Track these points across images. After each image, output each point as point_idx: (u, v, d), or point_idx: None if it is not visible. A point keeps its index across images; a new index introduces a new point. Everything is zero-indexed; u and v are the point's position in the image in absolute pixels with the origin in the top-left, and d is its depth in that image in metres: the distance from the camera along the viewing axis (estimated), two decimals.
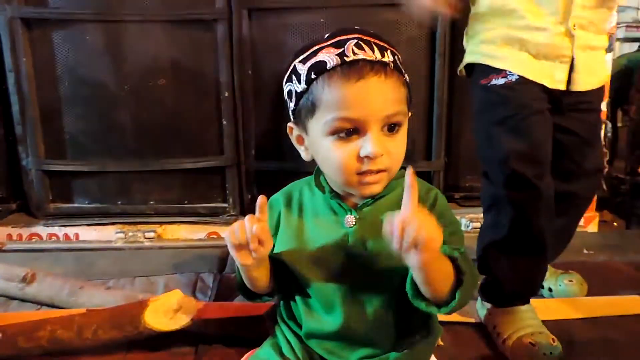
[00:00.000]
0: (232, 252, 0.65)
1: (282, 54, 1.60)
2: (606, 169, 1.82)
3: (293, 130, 0.72)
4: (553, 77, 0.96)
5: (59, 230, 1.69)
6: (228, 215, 1.72)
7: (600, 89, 1.04)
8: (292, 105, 0.69)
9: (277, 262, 0.72)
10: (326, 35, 0.67)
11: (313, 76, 0.64)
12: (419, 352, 0.74)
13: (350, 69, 0.62)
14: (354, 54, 0.62)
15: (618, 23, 2.31)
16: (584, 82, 0.98)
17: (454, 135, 1.73)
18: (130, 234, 1.68)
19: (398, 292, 0.68)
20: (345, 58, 0.62)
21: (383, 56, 0.64)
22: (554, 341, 0.96)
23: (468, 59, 1.04)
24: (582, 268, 1.27)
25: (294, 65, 0.67)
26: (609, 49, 1.53)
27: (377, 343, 0.72)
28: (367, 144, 0.62)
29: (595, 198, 1.60)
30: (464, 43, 1.08)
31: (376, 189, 0.66)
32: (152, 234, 1.67)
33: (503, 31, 0.96)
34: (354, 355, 0.72)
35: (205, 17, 1.59)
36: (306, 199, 0.74)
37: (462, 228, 1.28)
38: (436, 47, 1.61)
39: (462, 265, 0.64)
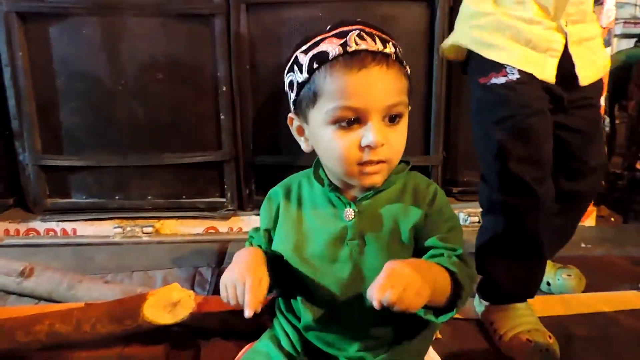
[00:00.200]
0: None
1: (280, 49, 1.60)
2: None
3: (293, 121, 0.72)
4: (543, 70, 0.94)
5: (57, 226, 1.69)
6: (226, 210, 1.72)
7: (600, 84, 1.03)
8: (293, 95, 0.69)
9: (275, 256, 0.72)
10: (328, 27, 0.67)
11: (315, 66, 0.64)
12: (417, 344, 0.74)
13: (353, 58, 0.62)
14: (356, 44, 0.62)
15: (616, 19, 2.32)
16: (589, 76, 0.97)
17: (452, 130, 1.73)
18: (128, 229, 1.67)
19: None
20: (347, 48, 0.62)
21: (385, 47, 0.64)
22: (550, 338, 0.97)
23: (457, 39, 1.02)
24: (579, 262, 1.28)
25: (296, 56, 0.67)
26: (607, 43, 1.53)
27: (376, 335, 0.72)
28: (369, 133, 0.62)
29: None
30: (455, 25, 1.06)
31: (377, 179, 0.66)
32: (150, 229, 1.67)
33: (497, 18, 0.95)
34: (352, 348, 0.72)
35: (203, 11, 1.58)
36: (305, 191, 0.74)
37: (460, 222, 1.29)
38: (434, 42, 1.61)
39: (461, 278, 0.63)
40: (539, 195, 0.93)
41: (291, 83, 0.68)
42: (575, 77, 0.96)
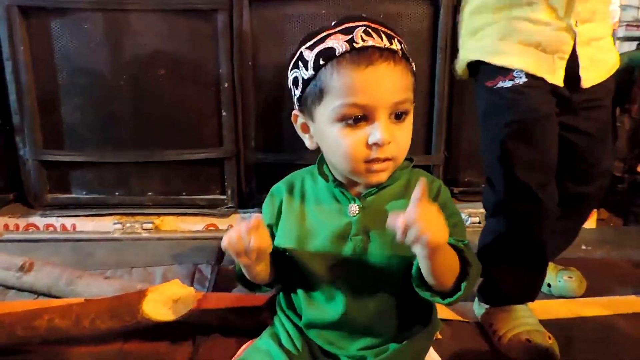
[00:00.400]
0: (232, 255, 0.64)
1: (282, 45, 1.59)
2: None
3: (298, 118, 0.71)
4: (552, 71, 0.93)
5: (56, 221, 1.69)
6: (226, 207, 1.71)
7: (610, 84, 1.01)
8: (298, 92, 0.68)
9: (278, 251, 0.72)
10: (333, 23, 0.66)
11: (321, 62, 0.63)
12: (418, 343, 0.74)
13: (360, 55, 0.62)
14: (363, 40, 0.62)
15: (619, 21, 2.31)
16: (592, 78, 0.96)
17: (454, 130, 1.72)
18: (128, 225, 1.67)
19: (400, 282, 0.68)
20: (354, 44, 0.62)
21: (391, 44, 0.64)
22: (550, 339, 0.96)
23: (468, 55, 1.01)
24: (580, 264, 1.27)
25: (301, 52, 0.66)
26: None
27: (377, 333, 0.72)
28: (376, 131, 0.62)
29: None
30: (460, 42, 1.04)
31: (382, 177, 0.66)
32: (150, 225, 1.67)
33: (504, 23, 0.94)
34: (353, 346, 0.72)
35: (206, 7, 1.57)
36: (309, 187, 0.74)
37: None
38: (437, 41, 1.60)
39: (469, 256, 0.63)
40: (543, 201, 0.93)
41: (296, 79, 0.68)
42: (578, 78, 0.95)
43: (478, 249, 1.04)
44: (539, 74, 0.93)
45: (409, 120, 0.66)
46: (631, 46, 2.66)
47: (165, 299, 0.96)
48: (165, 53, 1.61)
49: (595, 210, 1.77)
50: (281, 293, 0.80)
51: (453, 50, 1.60)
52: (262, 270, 0.70)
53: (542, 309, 1.08)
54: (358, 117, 0.63)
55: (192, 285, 1.27)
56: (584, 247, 1.52)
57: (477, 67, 1.01)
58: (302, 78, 0.66)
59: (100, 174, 1.71)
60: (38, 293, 1.21)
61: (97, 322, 0.95)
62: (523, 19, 0.93)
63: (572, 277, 1.20)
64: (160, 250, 1.52)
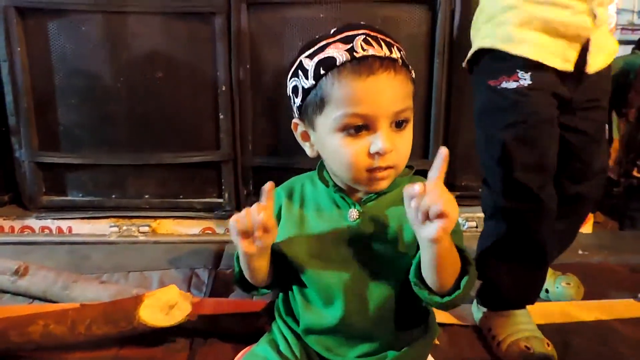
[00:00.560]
0: (236, 240, 0.63)
1: (280, 49, 1.59)
2: None
3: (298, 127, 0.71)
4: (565, 57, 0.92)
5: (52, 224, 1.68)
6: (223, 211, 1.71)
7: (607, 85, 1.01)
8: (298, 101, 0.68)
9: (277, 255, 0.72)
10: (332, 31, 0.66)
11: (322, 72, 0.63)
12: (416, 350, 0.73)
13: (360, 64, 0.61)
14: (363, 49, 0.62)
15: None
16: (597, 63, 0.94)
17: (451, 135, 1.72)
18: (125, 228, 1.66)
19: (399, 287, 0.68)
20: (355, 54, 0.62)
21: (391, 52, 0.63)
22: (548, 345, 0.97)
23: (483, 42, 0.98)
24: (577, 269, 1.28)
25: (300, 61, 0.66)
26: None
27: (376, 340, 0.71)
28: (378, 140, 0.62)
29: None
30: (474, 30, 1.03)
31: (383, 185, 0.66)
32: (146, 229, 1.66)
33: (524, 8, 0.92)
34: (352, 353, 0.72)
35: (204, 9, 1.57)
36: (308, 192, 0.74)
37: None
38: (435, 46, 1.60)
39: (469, 256, 0.63)
40: (543, 201, 0.93)
41: (295, 88, 0.67)
42: (585, 63, 0.93)
43: (477, 252, 1.04)
44: (550, 64, 0.91)
45: (409, 128, 0.66)
46: (626, 50, 2.67)
47: (162, 305, 0.96)
48: (163, 56, 1.60)
49: (591, 214, 1.78)
50: (280, 299, 0.79)
51: (451, 54, 1.62)
52: (261, 267, 0.69)
53: (540, 313, 1.09)
54: (359, 127, 0.63)
55: (188, 290, 1.27)
56: (580, 252, 1.53)
57: (478, 59, 1.00)
58: (302, 87, 0.66)
59: (96, 177, 1.70)
60: (33, 297, 1.20)
61: (92, 327, 0.94)
62: (545, 2, 0.91)
63: (570, 284, 1.21)
64: (157, 254, 1.52)
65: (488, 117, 0.98)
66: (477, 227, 1.69)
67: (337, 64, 0.62)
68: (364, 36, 0.63)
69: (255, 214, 0.61)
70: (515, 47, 0.93)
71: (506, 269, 1.00)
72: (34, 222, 1.67)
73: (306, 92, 0.65)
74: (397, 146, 0.64)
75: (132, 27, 1.58)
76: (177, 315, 0.95)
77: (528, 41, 0.92)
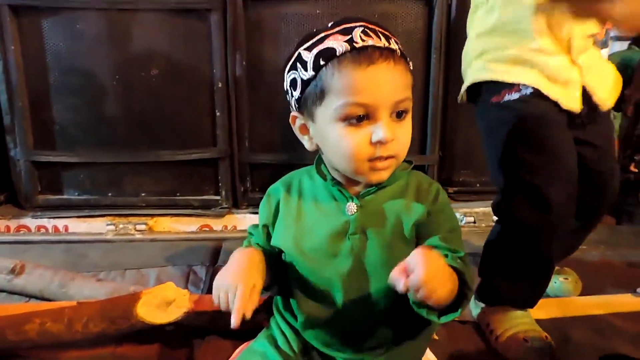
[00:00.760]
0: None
1: (277, 45, 1.59)
2: None
3: (296, 120, 0.71)
4: (569, 99, 0.90)
5: (48, 222, 1.67)
6: (220, 208, 1.70)
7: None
8: (296, 93, 0.67)
9: (274, 252, 0.71)
10: (330, 24, 0.66)
11: (322, 62, 0.63)
12: (415, 345, 0.73)
13: (360, 55, 0.62)
14: (362, 40, 0.62)
15: None
16: (608, 98, 0.94)
17: (448, 130, 1.72)
18: (121, 226, 1.65)
19: None
20: (354, 44, 0.62)
21: (389, 43, 0.64)
22: (546, 338, 0.96)
23: (477, 76, 0.97)
24: (575, 264, 1.28)
25: (299, 53, 0.66)
26: (604, 44, 1.52)
27: (374, 334, 0.71)
28: (379, 130, 0.62)
29: None
30: (465, 67, 1.02)
31: (385, 175, 0.66)
32: (143, 227, 1.65)
33: (514, 51, 0.91)
34: (350, 348, 0.72)
35: (199, 6, 1.56)
36: (306, 186, 0.74)
37: None
38: (432, 41, 1.61)
39: (468, 279, 0.63)
40: (557, 214, 0.89)
41: (294, 81, 0.67)
42: (596, 106, 0.93)
43: (483, 251, 1.03)
44: (554, 98, 0.90)
45: (409, 118, 0.67)
46: (622, 45, 2.68)
47: (159, 302, 0.95)
48: (159, 53, 1.60)
49: None
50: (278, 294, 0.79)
51: (448, 50, 1.61)
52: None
53: (538, 308, 1.08)
54: (361, 117, 0.63)
55: (186, 287, 1.26)
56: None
57: (478, 89, 0.98)
58: (302, 79, 0.65)
59: (92, 175, 1.69)
60: (29, 296, 1.19)
61: (89, 325, 0.93)
62: (532, 49, 0.90)
63: (568, 279, 1.21)
64: (154, 252, 1.51)
65: (496, 133, 0.95)
66: (474, 222, 1.70)
67: (337, 54, 0.62)
68: (363, 28, 0.63)
69: (231, 304, 0.62)
70: (512, 76, 0.91)
71: (510, 276, 0.99)
72: (30, 221, 1.66)
73: (305, 83, 0.65)
74: (398, 136, 0.64)
75: (127, 24, 1.57)
76: (174, 312, 0.95)
77: (525, 74, 0.91)
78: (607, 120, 1.01)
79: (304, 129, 0.70)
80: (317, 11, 1.57)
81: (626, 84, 2.06)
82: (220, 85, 1.61)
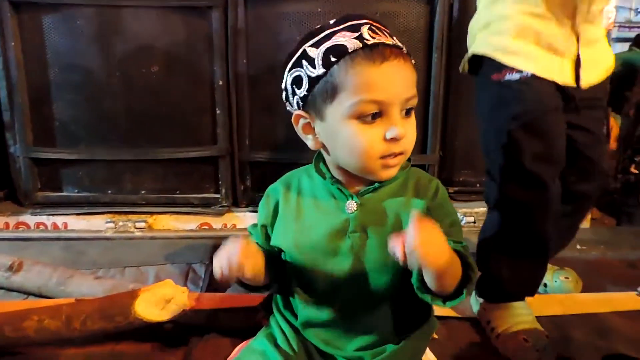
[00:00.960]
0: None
1: (277, 43, 1.58)
2: None
3: (300, 119, 0.69)
4: (562, 73, 0.93)
5: (47, 219, 1.66)
6: (220, 206, 1.70)
7: (607, 85, 1.01)
8: (301, 91, 0.66)
9: (274, 251, 0.71)
10: (333, 21, 0.65)
11: (333, 59, 0.62)
12: (415, 343, 0.73)
13: (373, 52, 0.61)
14: (372, 37, 0.62)
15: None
16: (590, 79, 0.96)
17: (449, 130, 1.72)
18: (121, 223, 1.65)
19: (397, 280, 0.68)
20: (365, 41, 0.62)
21: (395, 41, 0.64)
22: (547, 337, 0.96)
23: (477, 49, 0.99)
24: (576, 264, 1.28)
25: (304, 50, 0.65)
26: None
27: (374, 333, 0.71)
28: (393, 126, 0.62)
29: None
30: (470, 37, 1.04)
31: (393, 172, 0.67)
32: (142, 224, 1.65)
33: (519, 19, 0.93)
34: (350, 346, 0.71)
35: (201, 4, 1.56)
36: (305, 185, 0.73)
37: None
38: (433, 41, 1.60)
39: (472, 261, 0.63)
40: (552, 190, 0.93)
41: (298, 78, 0.66)
42: (578, 78, 0.95)
43: (478, 243, 1.04)
44: (549, 78, 0.92)
45: (414, 116, 0.67)
46: (623, 47, 2.68)
47: (158, 299, 0.95)
48: (159, 50, 1.59)
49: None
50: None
51: (449, 49, 1.61)
52: (256, 277, 0.68)
53: (538, 305, 1.08)
54: (374, 114, 0.63)
55: (185, 285, 1.26)
56: (579, 247, 1.53)
57: (479, 61, 1.00)
58: (309, 76, 0.64)
59: (92, 172, 1.69)
60: (27, 293, 1.19)
61: (88, 322, 0.93)
62: (537, 14, 0.92)
63: (569, 278, 1.21)
64: (153, 250, 1.51)
65: (495, 111, 0.97)
66: (474, 222, 1.69)
67: (350, 50, 0.62)
68: (369, 25, 0.63)
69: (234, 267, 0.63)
70: (511, 60, 0.94)
71: (507, 260, 1.00)
72: (29, 218, 1.66)
73: (314, 81, 0.64)
74: (407, 132, 0.64)
75: (127, 21, 1.57)
76: (173, 309, 0.94)
77: (523, 54, 0.93)
78: (602, 110, 1.03)
79: (308, 127, 0.69)
80: (319, 9, 1.56)
81: (628, 85, 2.06)
82: (221, 83, 1.60)
